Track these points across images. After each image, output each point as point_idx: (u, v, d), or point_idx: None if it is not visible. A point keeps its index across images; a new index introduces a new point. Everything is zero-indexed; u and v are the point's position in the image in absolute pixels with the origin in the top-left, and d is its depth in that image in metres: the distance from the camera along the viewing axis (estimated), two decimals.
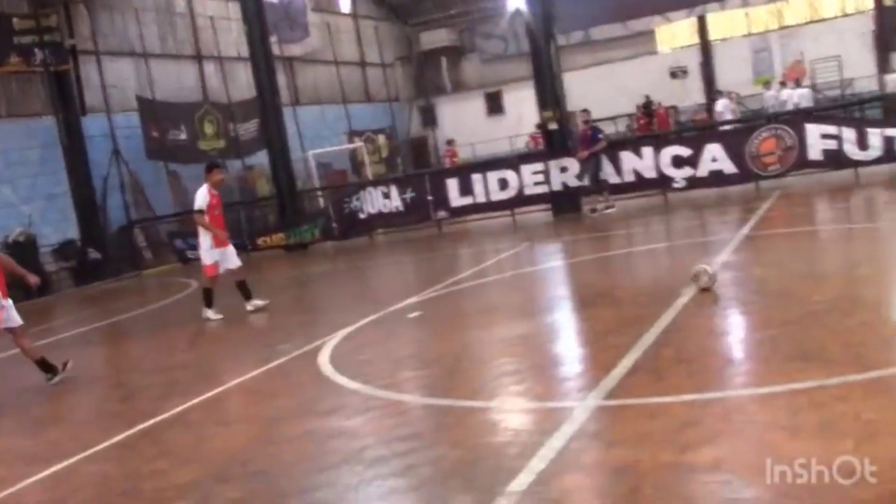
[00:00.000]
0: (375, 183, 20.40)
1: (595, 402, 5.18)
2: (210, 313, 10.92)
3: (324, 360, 7.51)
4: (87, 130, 21.27)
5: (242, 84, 26.01)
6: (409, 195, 18.06)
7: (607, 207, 16.05)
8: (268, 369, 7.61)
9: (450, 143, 26.73)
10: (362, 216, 18.47)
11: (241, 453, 5.42)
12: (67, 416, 7.48)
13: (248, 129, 25.51)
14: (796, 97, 22.70)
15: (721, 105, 22.79)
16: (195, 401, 6.93)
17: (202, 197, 10.75)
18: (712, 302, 7.52)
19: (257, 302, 11.03)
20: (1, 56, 19.26)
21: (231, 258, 11.06)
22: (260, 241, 19.58)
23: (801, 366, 5.23)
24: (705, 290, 7.64)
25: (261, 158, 23.93)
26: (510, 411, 5.52)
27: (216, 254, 10.91)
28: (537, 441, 4.65)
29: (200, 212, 10.73)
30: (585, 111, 16.91)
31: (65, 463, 5.80)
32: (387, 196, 18.21)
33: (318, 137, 28.96)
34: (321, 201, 21.97)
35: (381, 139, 34.24)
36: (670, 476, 3.99)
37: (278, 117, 20.10)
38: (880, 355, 5.26)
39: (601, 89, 30.30)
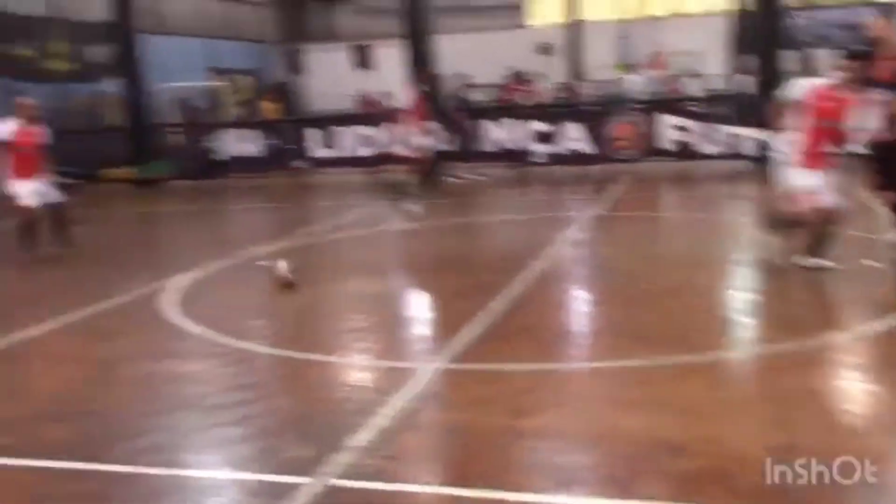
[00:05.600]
0: (236, 125, 19.84)
1: (439, 364, 5.29)
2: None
3: (168, 301, 7.29)
4: None
5: (98, 3, 24.51)
6: (269, 141, 17.66)
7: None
8: (107, 307, 7.31)
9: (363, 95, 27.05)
10: (219, 158, 17.93)
11: (71, 392, 5.22)
12: None
13: (101, 52, 24.14)
14: (656, 85, 23.68)
15: None
16: (24, 334, 6.59)
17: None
18: (559, 276, 7.78)
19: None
20: None
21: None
22: (107, 173, 18.64)
23: (633, 344, 5.51)
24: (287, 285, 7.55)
25: (113, 86, 22.76)
26: (354, 368, 5.56)
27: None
28: (379, 399, 4.70)
29: None
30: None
31: None
32: (246, 140, 17.74)
33: (178, 71, 27.71)
34: (177, 138, 21.14)
35: (245, 81, 33.19)
36: (503, 439, 4.13)
37: (135, 44, 19.15)
38: (704, 339, 5.60)
39: (469, 56, 30.45)
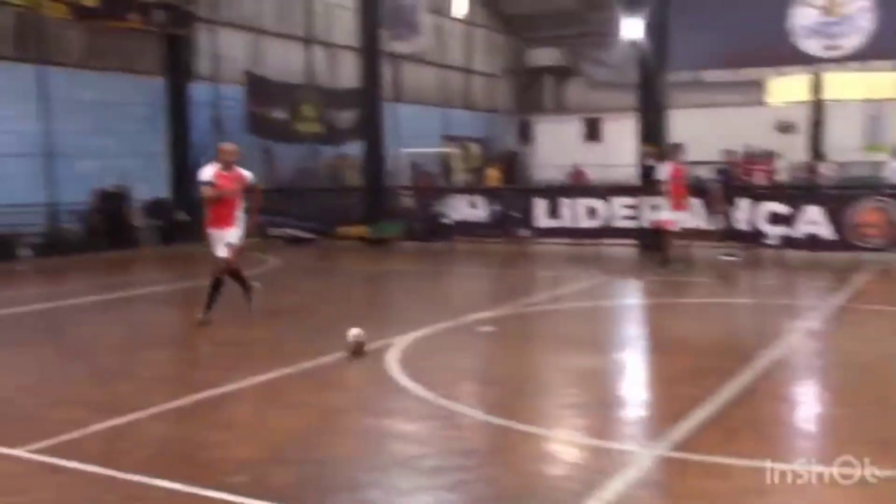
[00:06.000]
0: (464, 191, 20.48)
1: (660, 451, 5.05)
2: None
3: (391, 359, 7.51)
4: (192, 96, 21.84)
5: (347, 73, 26.32)
6: (495, 208, 18.04)
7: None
8: (335, 359, 7.63)
9: (575, 167, 27.69)
10: (446, 222, 18.51)
11: (298, 438, 5.45)
12: (136, 372, 7.59)
13: (346, 118, 25.83)
14: None
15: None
16: (260, 378, 7.00)
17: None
18: (793, 368, 7.29)
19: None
20: (122, 11, 19.82)
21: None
22: (342, 230, 19.80)
23: (879, 451, 5.00)
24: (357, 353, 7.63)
25: (354, 149, 24.25)
26: (571, 444, 5.42)
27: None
28: (596, 480, 4.55)
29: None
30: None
31: (128, 418, 5.92)
32: (473, 206, 18.23)
33: (413, 137, 29.07)
34: (407, 200, 22.08)
35: (475, 148, 34.29)
36: None
37: (378, 111, 20.33)
38: None
39: (703, 132, 29.75)
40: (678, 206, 13.93)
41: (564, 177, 28.68)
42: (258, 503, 4.33)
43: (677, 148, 14.47)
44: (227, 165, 9.66)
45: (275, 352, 8.19)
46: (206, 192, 9.55)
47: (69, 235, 18.91)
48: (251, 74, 23.47)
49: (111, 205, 19.43)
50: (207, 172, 9.60)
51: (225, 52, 23.18)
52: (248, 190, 9.85)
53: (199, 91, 22.18)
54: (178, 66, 21.58)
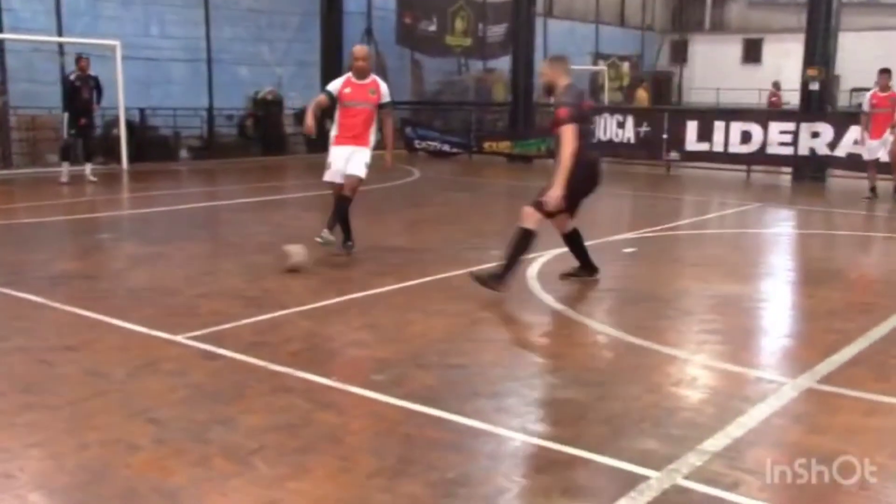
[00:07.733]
0: (612, 110, 19.99)
1: (806, 382, 4.89)
2: None
3: (531, 274, 7.54)
4: (346, 6, 22.04)
5: None
6: (643, 129, 17.55)
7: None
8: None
9: (776, 85, 25.10)
10: (592, 141, 18.13)
11: (439, 343, 5.58)
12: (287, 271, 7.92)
13: (497, 32, 25.54)
14: None
15: None
16: (402, 284, 7.20)
17: None
18: None
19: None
20: None
21: None
22: (486, 145, 19.79)
23: None
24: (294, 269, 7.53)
25: (503, 63, 24.00)
26: (712, 369, 5.32)
27: None
28: (738, 407, 4.47)
29: None
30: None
31: (278, 313, 6.21)
32: (621, 126, 17.80)
33: (563, 53, 28.53)
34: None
35: (625, 67, 33.33)
36: (878, 479, 3.72)
37: (530, 25, 19.99)
38: None
39: (875, 58, 27.79)
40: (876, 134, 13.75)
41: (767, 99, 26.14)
42: (399, 402, 4.47)
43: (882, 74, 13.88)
44: (361, 73, 8.22)
45: (417, 260, 8.36)
46: (319, 101, 8.22)
47: (224, 140, 19.73)
48: None
49: (264, 111, 20.06)
50: (336, 83, 8.30)
51: None
52: (380, 108, 8.36)
53: (352, 2, 22.38)
54: None
